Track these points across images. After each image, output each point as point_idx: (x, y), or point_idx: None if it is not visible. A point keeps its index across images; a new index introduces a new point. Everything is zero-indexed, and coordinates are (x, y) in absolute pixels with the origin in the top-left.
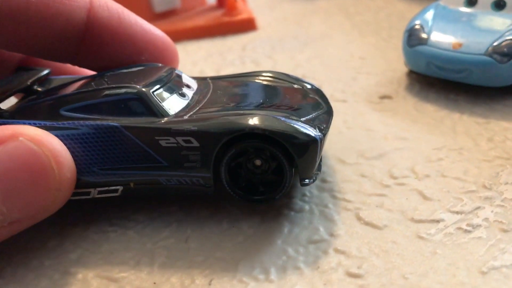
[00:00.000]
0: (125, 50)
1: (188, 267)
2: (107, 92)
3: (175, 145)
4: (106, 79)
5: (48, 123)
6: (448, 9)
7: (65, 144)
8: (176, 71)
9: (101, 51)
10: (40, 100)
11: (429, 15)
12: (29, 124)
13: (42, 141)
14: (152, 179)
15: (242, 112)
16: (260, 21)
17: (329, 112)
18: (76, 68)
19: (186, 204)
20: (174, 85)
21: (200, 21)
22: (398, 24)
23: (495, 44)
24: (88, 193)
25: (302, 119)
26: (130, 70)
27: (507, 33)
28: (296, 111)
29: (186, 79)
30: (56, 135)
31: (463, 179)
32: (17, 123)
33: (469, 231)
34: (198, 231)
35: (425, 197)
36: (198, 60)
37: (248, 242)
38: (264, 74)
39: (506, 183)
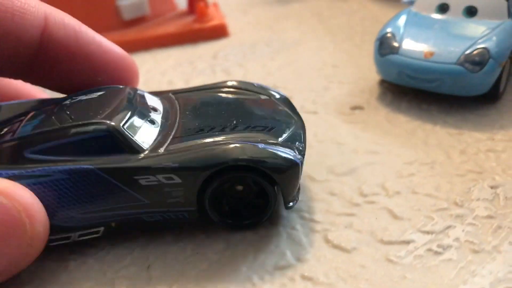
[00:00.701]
0: (82, 70)
1: None
2: (74, 130)
3: (156, 183)
4: (67, 111)
5: (16, 172)
6: (420, 16)
7: (38, 193)
8: (138, 92)
9: (56, 69)
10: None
11: (401, 21)
12: None
13: (12, 194)
14: (134, 218)
15: (220, 140)
16: (232, 26)
17: (302, 126)
18: (27, 86)
19: None
20: (141, 110)
21: (170, 28)
22: (371, 28)
23: (466, 52)
24: (68, 238)
25: (280, 140)
26: (90, 96)
27: (479, 41)
28: (271, 131)
29: (150, 99)
30: (27, 184)
31: (435, 196)
32: None
33: (440, 253)
34: (161, 258)
35: (395, 216)
36: (167, 70)
37: (212, 269)
38: (229, 85)
39: (478, 199)
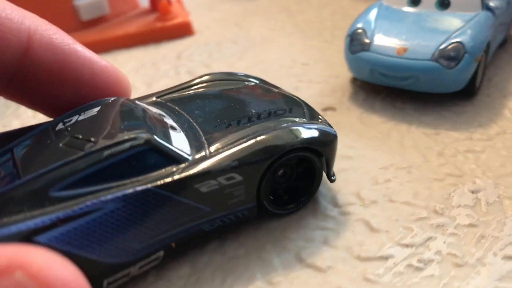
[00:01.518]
0: (69, 92)
1: None
2: (107, 152)
3: (217, 187)
4: (75, 135)
5: (52, 216)
6: (392, 9)
7: (92, 235)
8: (136, 101)
9: (37, 91)
10: (5, 188)
11: (372, 15)
12: (25, 228)
13: (48, 278)
14: (194, 230)
15: (258, 130)
16: (197, 24)
17: (303, 101)
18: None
19: None
20: (154, 119)
21: (131, 28)
22: (341, 23)
23: (441, 48)
24: (128, 274)
25: (306, 118)
26: (89, 114)
27: (453, 35)
28: (292, 113)
29: (149, 107)
30: (72, 229)
31: (413, 204)
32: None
33: (421, 269)
34: (120, 286)
35: (372, 229)
36: (128, 72)
37: None
38: (211, 79)
39: (459, 206)
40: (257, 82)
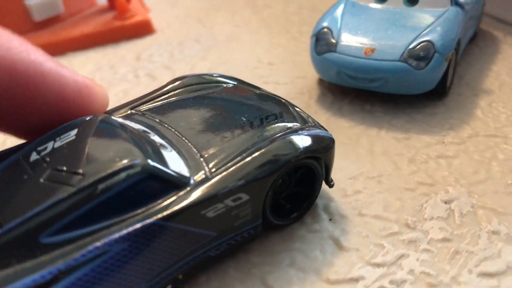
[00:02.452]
0: (36, 119)
1: None
2: (101, 186)
3: (223, 210)
4: (57, 167)
5: (53, 269)
6: (358, 6)
7: (95, 284)
8: (113, 118)
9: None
10: None
11: (338, 13)
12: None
13: None
14: (200, 258)
15: (255, 141)
16: (158, 21)
17: (288, 101)
18: None
19: None
20: (142, 138)
21: (88, 27)
22: (309, 18)
23: (410, 47)
24: None
25: (299, 122)
26: (66, 140)
27: (422, 33)
28: (284, 118)
29: (129, 124)
30: (76, 280)
31: (384, 217)
32: None
33: None
34: None
35: (341, 247)
36: None
37: None
38: (188, 83)
39: (431, 218)
40: (235, 83)
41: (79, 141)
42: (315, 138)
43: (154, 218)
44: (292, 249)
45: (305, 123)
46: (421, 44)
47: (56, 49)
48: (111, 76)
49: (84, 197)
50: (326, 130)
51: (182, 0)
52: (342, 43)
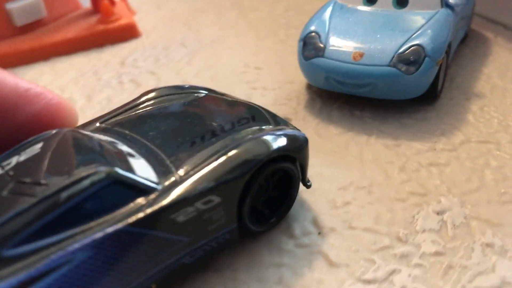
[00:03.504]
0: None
1: None
2: (64, 195)
3: (194, 213)
4: (21, 179)
5: (13, 281)
6: (346, 8)
7: None
8: (80, 131)
9: None
10: None
11: (326, 16)
12: None
13: None
14: (174, 266)
15: (227, 144)
16: (143, 24)
17: (258, 105)
18: None
19: None
20: (108, 147)
21: (71, 32)
22: (296, 20)
23: (399, 51)
24: None
25: (271, 124)
26: (30, 154)
27: (412, 37)
28: (256, 121)
29: (95, 135)
30: None
31: (374, 230)
32: None
33: None
34: None
35: (331, 263)
36: (66, 84)
37: None
38: (157, 95)
39: (423, 231)
40: (206, 92)
41: (43, 153)
42: (288, 137)
43: (121, 224)
44: (280, 265)
45: (278, 124)
46: (411, 48)
47: (38, 55)
48: (95, 83)
49: (47, 207)
50: (299, 130)
51: (167, 2)
52: (330, 47)
